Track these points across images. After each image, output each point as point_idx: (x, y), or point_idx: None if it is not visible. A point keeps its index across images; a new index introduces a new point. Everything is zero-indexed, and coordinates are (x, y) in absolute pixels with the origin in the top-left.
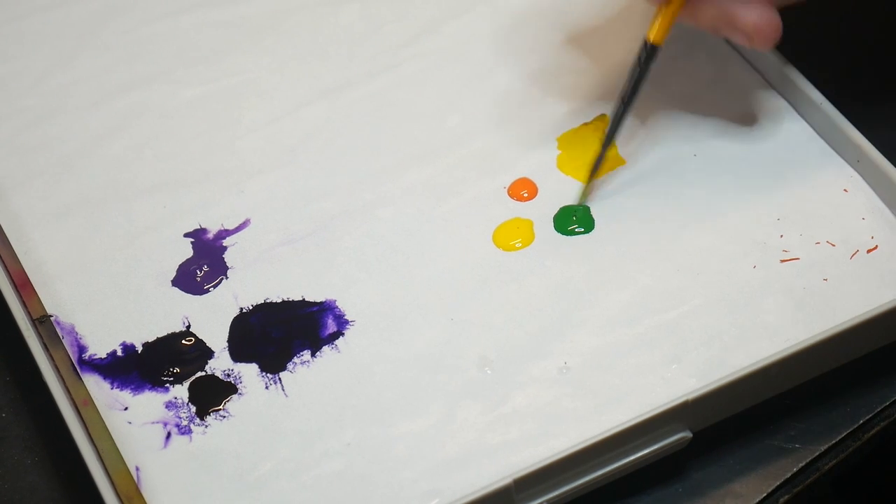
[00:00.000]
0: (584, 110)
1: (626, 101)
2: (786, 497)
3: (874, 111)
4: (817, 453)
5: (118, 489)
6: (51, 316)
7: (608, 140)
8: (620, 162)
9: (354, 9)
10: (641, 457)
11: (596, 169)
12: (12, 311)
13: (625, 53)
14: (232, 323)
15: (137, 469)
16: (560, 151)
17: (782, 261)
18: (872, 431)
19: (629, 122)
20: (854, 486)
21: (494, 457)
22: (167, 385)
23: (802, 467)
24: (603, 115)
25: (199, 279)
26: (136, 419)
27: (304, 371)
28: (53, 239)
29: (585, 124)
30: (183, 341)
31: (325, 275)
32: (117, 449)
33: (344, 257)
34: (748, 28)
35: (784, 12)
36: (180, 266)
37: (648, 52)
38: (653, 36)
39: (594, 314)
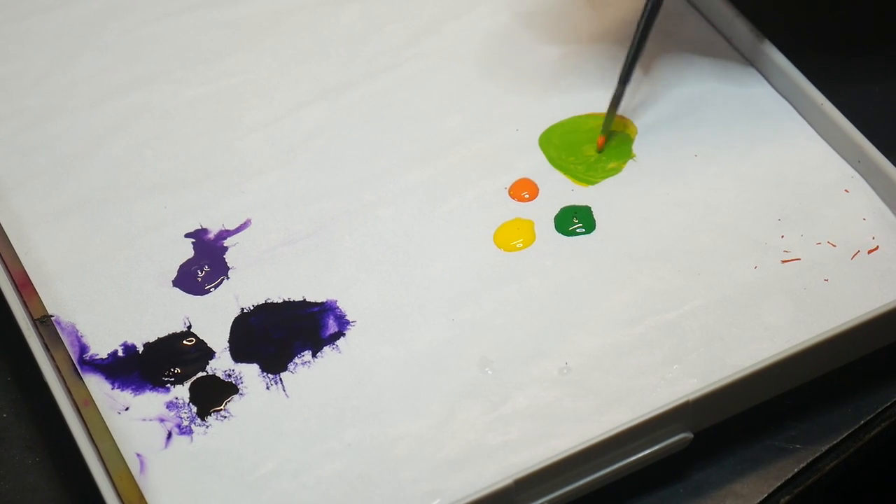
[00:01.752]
0: (585, 110)
1: (636, 49)
2: (787, 497)
3: (875, 112)
4: (818, 454)
5: (119, 489)
6: (51, 316)
7: (617, 100)
8: (630, 155)
9: (354, 9)
10: (642, 457)
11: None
12: (13, 312)
13: (625, 54)
14: (233, 323)
15: (140, 457)
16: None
17: (783, 261)
18: (874, 432)
19: (636, 119)
20: (855, 486)
21: (495, 457)
22: (168, 385)
23: (803, 468)
24: (574, 117)
25: (199, 279)
26: (136, 419)
27: (305, 371)
28: (54, 239)
29: (552, 127)
30: (184, 341)
31: (326, 275)
32: (118, 449)
33: (345, 258)
34: None
35: (787, 11)
36: (181, 266)
37: (654, 4)
38: None
39: (595, 314)
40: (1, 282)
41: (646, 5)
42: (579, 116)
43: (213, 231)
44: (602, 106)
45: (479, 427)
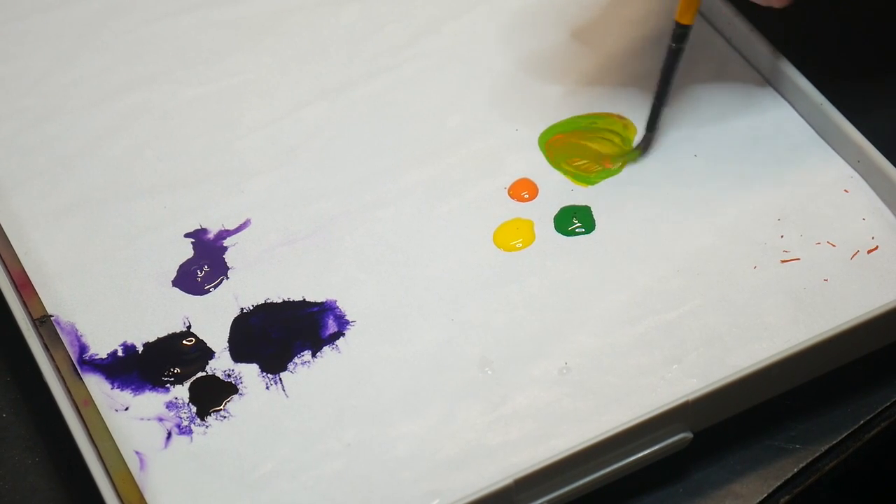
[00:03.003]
0: (585, 109)
1: (665, 82)
2: (786, 497)
3: (875, 111)
4: (818, 454)
5: (119, 489)
6: (51, 316)
7: (651, 124)
8: (634, 153)
9: (354, 9)
10: (642, 457)
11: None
12: (13, 312)
13: (626, 50)
14: (232, 323)
15: (140, 457)
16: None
17: (783, 261)
18: (873, 432)
19: (636, 119)
20: (855, 486)
21: (495, 457)
22: (168, 385)
23: (803, 468)
24: (573, 117)
25: (199, 279)
26: (136, 419)
27: (305, 371)
28: (54, 239)
29: (550, 126)
30: (183, 341)
31: (326, 275)
32: (118, 449)
33: (344, 258)
34: None
35: (787, 13)
36: (181, 266)
37: (679, 33)
38: (678, 16)
39: (594, 314)
40: (1, 282)
41: (668, 55)
42: (578, 116)
43: (213, 231)
44: (601, 106)
45: (479, 427)
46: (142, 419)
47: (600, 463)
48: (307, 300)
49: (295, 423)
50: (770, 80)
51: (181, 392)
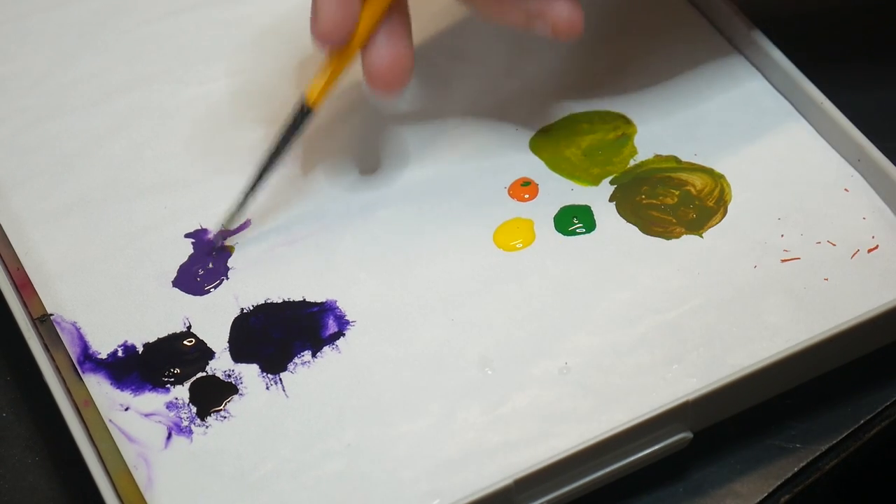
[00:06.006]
0: (584, 109)
1: (271, 158)
2: (787, 497)
3: (875, 111)
4: (818, 453)
5: (118, 489)
6: (51, 315)
7: (250, 190)
8: (633, 152)
9: None
10: (642, 457)
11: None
12: (13, 311)
13: (624, 52)
14: (233, 323)
15: (140, 455)
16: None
17: (783, 260)
18: (873, 431)
19: (636, 118)
20: (855, 486)
21: (495, 457)
22: (168, 385)
23: (803, 467)
24: (571, 115)
25: (199, 279)
26: (136, 419)
27: (305, 371)
28: (54, 239)
29: (549, 126)
30: (184, 342)
31: (326, 275)
32: (118, 449)
33: (345, 257)
34: (559, 24)
35: (788, 13)
36: (181, 266)
37: (303, 115)
38: (312, 98)
39: (595, 314)
40: (1, 282)
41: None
42: (570, 115)
43: (213, 231)
44: (601, 104)
45: (479, 427)
46: (142, 419)
47: (600, 463)
48: (307, 300)
49: (295, 423)
50: (770, 79)
51: (181, 392)
